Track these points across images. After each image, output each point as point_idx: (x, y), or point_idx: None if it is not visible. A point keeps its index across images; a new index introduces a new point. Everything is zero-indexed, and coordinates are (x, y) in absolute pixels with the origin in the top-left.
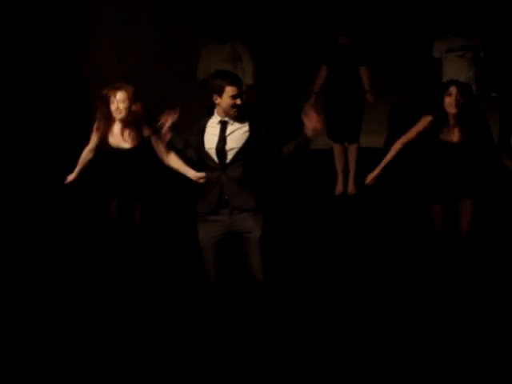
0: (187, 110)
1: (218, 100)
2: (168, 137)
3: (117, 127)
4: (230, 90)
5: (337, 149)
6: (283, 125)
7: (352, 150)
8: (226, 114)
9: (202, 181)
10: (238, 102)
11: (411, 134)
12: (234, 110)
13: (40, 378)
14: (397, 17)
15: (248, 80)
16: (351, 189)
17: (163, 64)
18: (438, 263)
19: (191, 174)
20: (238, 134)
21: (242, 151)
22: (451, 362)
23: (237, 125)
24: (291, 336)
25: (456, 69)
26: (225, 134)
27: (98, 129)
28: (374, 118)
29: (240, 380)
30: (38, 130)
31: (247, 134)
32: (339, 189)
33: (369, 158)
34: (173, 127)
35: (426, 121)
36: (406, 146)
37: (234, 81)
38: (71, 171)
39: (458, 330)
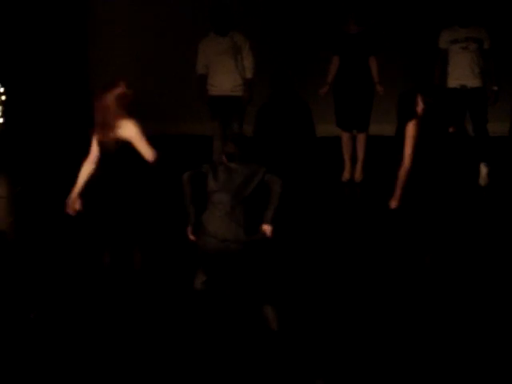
0: (186, 102)
1: None
2: None
3: None
4: None
5: (345, 137)
6: (286, 122)
7: (361, 138)
8: None
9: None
10: None
11: (410, 146)
12: None
13: (40, 377)
14: (406, 6)
15: (247, 74)
16: (358, 176)
17: (165, 58)
18: (441, 252)
19: None
20: None
21: None
22: (450, 359)
23: None
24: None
25: (459, 60)
26: None
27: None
28: (383, 106)
29: (239, 380)
30: (47, 122)
31: None
32: (346, 176)
33: (376, 146)
34: None
35: (411, 127)
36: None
37: None
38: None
39: (457, 325)
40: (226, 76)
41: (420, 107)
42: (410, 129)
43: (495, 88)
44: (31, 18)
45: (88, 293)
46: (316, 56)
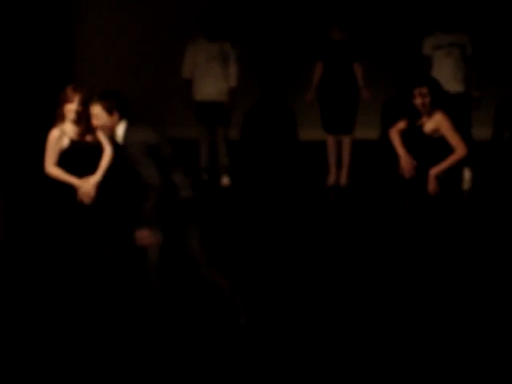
0: (173, 105)
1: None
2: None
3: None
4: None
5: (330, 141)
6: (272, 126)
7: (346, 142)
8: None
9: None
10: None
11: (457, 133)
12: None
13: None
14: (390, 12)
15: (232, 81)
16: (344, 180)
17: (152, 60)
18: (431, 255)
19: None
20: None
21: None
22: (450, 359)
23: None
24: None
25: (443, 66)
26: None
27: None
28: (369, 111)
29: (238, 380)
30: (30, 121)
31: None
32: (331, 180)
33: (361, 151)
34: None
35: (443, 117)
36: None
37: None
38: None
39: (453, 323)
40: (212, 82)
41: (419, 99)
42: (444, 119)
43: (478, 93)
44: (16, 16)
45: (84, 292)
46: (302, 62)
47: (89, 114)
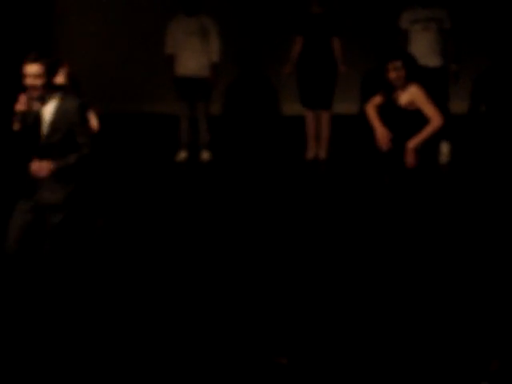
0: (155, 82)
1: None
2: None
3: None
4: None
5: (309, 115)
6: (252, 101)
7: (324, 116)
8: None
9: None
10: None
11: (432, 104)
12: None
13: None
14: None
15: (214, 57)
16: (322, 154)
17: (133, 35)
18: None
19: None
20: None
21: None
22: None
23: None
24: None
25: (420, 40)
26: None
27: None
28: (347, 85)
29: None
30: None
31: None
32: (310, 154)
33: (340, 125)
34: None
35: (418, 90)
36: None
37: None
38: None
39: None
40: (192, 57)
41: (393, 73)
42: (419, 91)
43: (455, 67)
44: None
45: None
46: (281, 36)
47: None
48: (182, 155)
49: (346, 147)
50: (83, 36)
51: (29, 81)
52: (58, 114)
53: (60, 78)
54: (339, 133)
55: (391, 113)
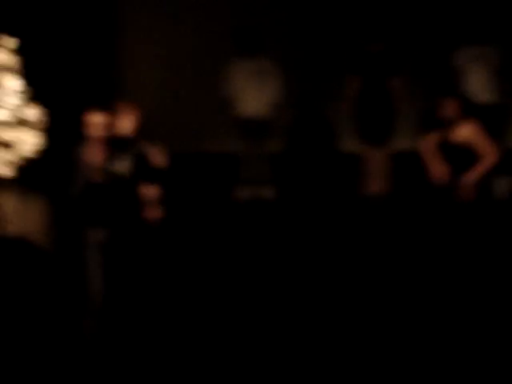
0: (218, 121)
1: None
2: None
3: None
4: None
5: (368, 152)
6: (313, 140)
7: (384, 152)
8: None
9: None
10: None
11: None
12: None
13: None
14: (424, 23)
15: (274, 97)
16: (382, 190)
17: (195, 81)
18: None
19: None
20: None
21: None
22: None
23: None
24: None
25: (476, 76)
26: None
27: None
28: (405, 122)
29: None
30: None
31: None
32: (369, 190)
33: (398, 161)
34: None
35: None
36: None
37: None
38: None
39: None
40: (254, 98)
41: (448, 110)
42: (475, 128)
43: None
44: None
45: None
46: (339, 75)
47: None
48: (245, 193)
49: (405, 183)
50: (148, 80)
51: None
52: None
53: (127, 123)
54: (398, 169)
55: (447, 149)
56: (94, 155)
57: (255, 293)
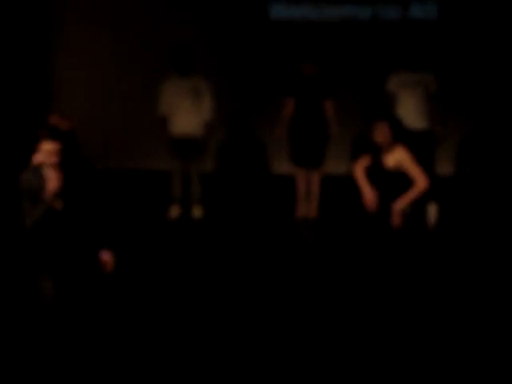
0: (149, 138)
1: None
2: None
3: None
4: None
5: (300, 174)
6: (243, 161)
7: (315, 175)
8: None
9: None
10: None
11: (417, 166)
12: None
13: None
14: (358, 49)
15: (206, 116)
16: (312, 213)
17: (126, 95)
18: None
19: None
20: None
21: None
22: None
23: None
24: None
25: (407, 103)
26: None
27: None
28: (337, 146)
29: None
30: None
31: None
32: (300, 213)
33: (330, 184)
34: None
35: (403, 152)
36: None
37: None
38: None
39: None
40: (186, 117)
41: (379, 135)
42: (405, 153)
43: (441, 130)
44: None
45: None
46: (272, 96)
47: None
48: (174, 211)
49: (336, 207)
50: (80, 97)
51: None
52: None
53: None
54: (329, 192)
55: (378, 174)
56: (50, 182)
57: (188, 307)
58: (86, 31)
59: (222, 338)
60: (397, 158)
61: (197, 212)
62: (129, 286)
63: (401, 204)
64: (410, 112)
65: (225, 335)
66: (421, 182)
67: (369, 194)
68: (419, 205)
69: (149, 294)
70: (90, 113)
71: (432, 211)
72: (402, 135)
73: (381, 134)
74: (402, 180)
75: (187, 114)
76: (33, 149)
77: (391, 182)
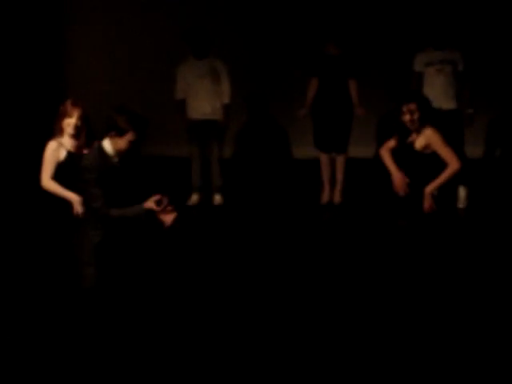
0: (167, 125)
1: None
2: None
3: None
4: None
5: (324, 159)
6: (262, 145)
7: (340, 160)
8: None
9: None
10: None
11: (447, 146)
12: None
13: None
14: (384, 28)
15: (225, 98)
16: (337, 198)
17: (144, 81)
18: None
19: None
20: None
21: None
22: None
23: None
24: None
25: (434, 82)
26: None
27: None
28: (363, 129)
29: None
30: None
31: None
32: (325, 198)
33: (355, 169)
34: None
35: (434, 133)
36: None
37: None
38: None
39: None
40: (205, 100)
41: (407, 116)
42: (435, 134)
43: (470, 111)
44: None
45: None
46: (295, 78)
47: (85, 129)
48: (194, 198)
49: (362, 191)
50: (95, 79)
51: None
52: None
53: (73, 120)
54: (354, 176)
55: (406, 156)
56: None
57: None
58: (102, 14)
59: (235, 320)
60: (426, 139)
61: (217, 199)
62: (143, 277)
63: (432, 187)
64: (438, 92)
65: (238, 319)
66: (453, 164)
67: (398, 177)
68: (449, 188)
69: (165, 283)
70: (106, 99)
71: (462, 194)
72: (430, 116)
73: (409, 115)
74: (431, 162)
75: (206, 96)
76: (48, 132)
77: (420, 164)
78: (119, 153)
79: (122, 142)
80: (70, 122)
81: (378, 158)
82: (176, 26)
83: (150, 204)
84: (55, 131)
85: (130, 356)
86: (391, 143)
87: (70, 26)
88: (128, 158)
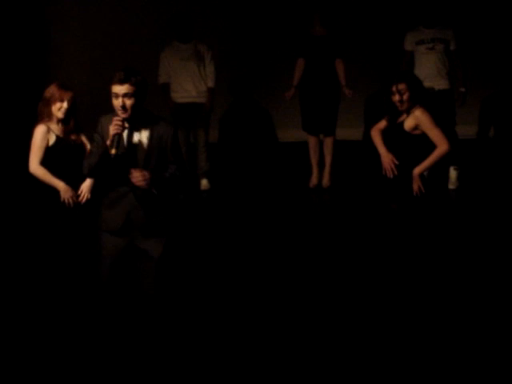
0: (151, 109)
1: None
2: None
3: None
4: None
5: (312, 141)
6: (248, 129)
7: (328, 142)
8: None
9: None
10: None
11: (437, 127)
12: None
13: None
14: (372, 7)
15: (209, 82)
16: (326, 181)
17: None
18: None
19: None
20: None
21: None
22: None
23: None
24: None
25: (426, 61)
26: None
27: None
28: (350, 110)
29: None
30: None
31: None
32: (314, 181)
33: (344, 151)
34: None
35: (423, 113)
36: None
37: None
38: None
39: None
40: (190, 83)
41: (397, 96)
42: (425, 115)
43: (463, 90)
44: None
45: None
46: (281, 59)
47: (74, 114)
48: None
49: (351, 174)
50: (79, 64)
51: (119, 102)
52: (155, 139)
53: (64, 104)
54: (343, 159)
55: (396, 137)
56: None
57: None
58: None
59: (229, 311)
60: (415, 120)
61: (204, 184)
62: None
63: (421, 169)
64: (430, 71)
65: (232, 309)
66: (442, 146)
67: (387, 158)
68: (440, 169)
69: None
70: (89, 83)
71: (453, 175)
72: (421, 96)
73: (399, 95)
74: (421, 143)
75: (190, 80)
76: (32, 117)
77: (410, 145)
78: None
79: None
80: (61, 106)
81: (366, 140)
82: (160, 10)
83: None
84: (42, 116)
85: (130, 356)
86: (382, 124)
87: (51, 8)
88: None
